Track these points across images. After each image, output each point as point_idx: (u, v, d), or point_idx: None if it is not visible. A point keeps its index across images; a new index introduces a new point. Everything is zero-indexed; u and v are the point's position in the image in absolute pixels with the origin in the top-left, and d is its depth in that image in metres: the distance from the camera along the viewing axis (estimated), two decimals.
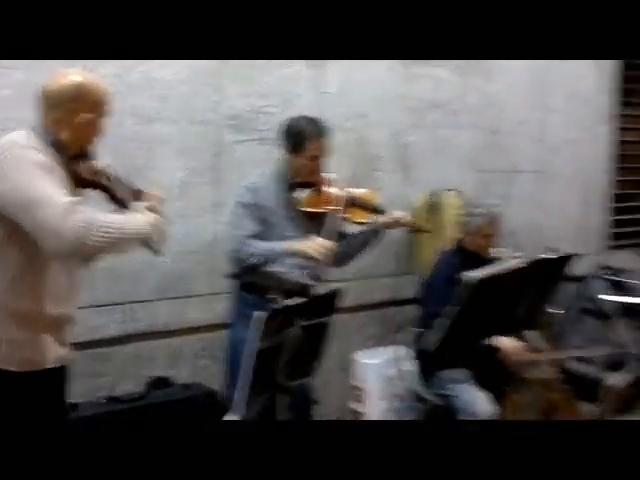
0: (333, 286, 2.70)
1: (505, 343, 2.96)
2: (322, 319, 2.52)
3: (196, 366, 3.38)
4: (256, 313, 2.17)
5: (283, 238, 2.77)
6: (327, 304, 2.55)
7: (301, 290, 2.77)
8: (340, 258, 3.02)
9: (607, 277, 4.63)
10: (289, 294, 2.72)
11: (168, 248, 3.16)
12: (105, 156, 2.81)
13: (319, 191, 2.84)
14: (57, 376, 2.12)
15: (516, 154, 4.47)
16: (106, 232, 1.87)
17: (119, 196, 2.09)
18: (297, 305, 2.32)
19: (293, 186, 2.83)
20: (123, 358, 3.16)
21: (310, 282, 2.88)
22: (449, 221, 3.88)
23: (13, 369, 1.98)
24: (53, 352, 2.07)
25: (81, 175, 2.05)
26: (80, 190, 2.06)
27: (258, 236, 2.74)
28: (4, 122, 2.72)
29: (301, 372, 2.51)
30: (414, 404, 3.55)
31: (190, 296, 3.32)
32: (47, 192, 1.84)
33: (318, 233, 2.83)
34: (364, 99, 3.76)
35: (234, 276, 2.90)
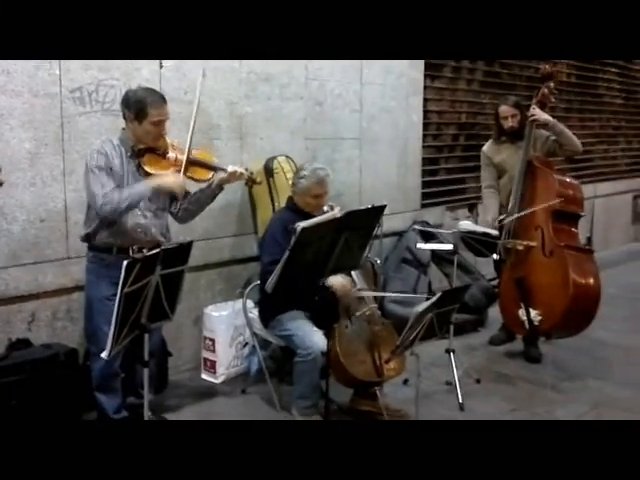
0: (184, 239, 2.99)
1: (335, 281, 3.36)
2: (177, 268, 2.82)
3: (55, 328, 3.55)
4: (123, 262, 2.43)
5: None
6: (180, 255, 2.85)
7: (152, 247, 3.07)
8: (185, 214, 3.36)
9: (421, 229, 5.30)
10: (139, 250, 3.02)
11: (18, 216, 3.36)
12: None
13: (162, 154, 3.14)
14: None
15: (339, 123, 4.96)
16: None
17: None
18: (155, 255, 2.62)
19: (138, 153, 3.10)
20: None
21: (160, 239, 3.18)
22: (283, 184, 4.28)
23: None
24: None
25: None
26: None
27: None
28: None
29: (161, 315, 2.81)
30: (258, 348, 3.90)
31: (44, 261, 3.48)
32: None
33: (164, 194, 3.16)
34: (199, 72, 4.03)
35: (87, 237, 3.12)
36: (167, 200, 3.27)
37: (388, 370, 3.46)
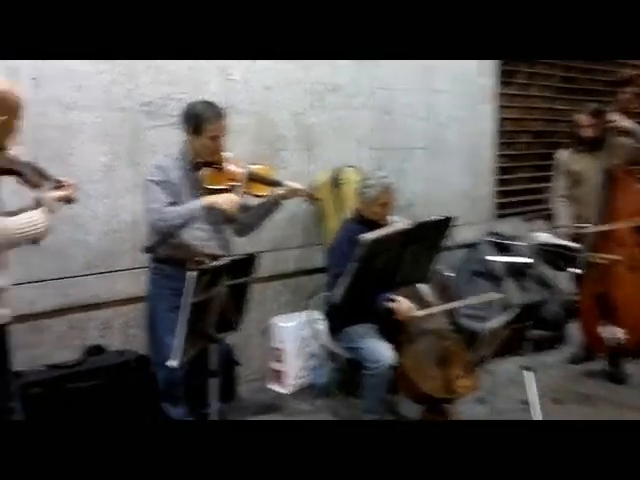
0: (250, 251, 2.99)
1: (397, 305, 3.24)
2: (243, 279, 2.84)
3: (127, 335, 3.64)
4: (188, 273, 2.46)
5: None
6: (246, 266, 2.86)
7: (212, 260, 3.03)
8: (244, 228, 3.38)
9: (494, 241, 5.16)
10: (201, 264, 3.05)
11: (93, 227, 3.47)
12: (30, 144, 3.10)
13: (220, 169, 3.15)
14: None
15: (406, 132, 4.92)
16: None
17: (31, 180, 2.40)
18: (222, 266, 2.64)
19: (197, 165, 3.13)
20: (58, 330, 3.40)
21: (220, 252, 3.21)
22: (350, 194, 4.26)
23: None
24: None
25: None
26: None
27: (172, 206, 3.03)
28: None
29: (227, 325, 2.83)
30: (327, 362, 3.89)
31: (116, 271, 3.58)
32: None
33: None
34: (267, 84, 4.10)
35: (149, 249, 3.18)
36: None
37: (460, 387, 3.35)
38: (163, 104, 3.67)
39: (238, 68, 3.96)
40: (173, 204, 3.01)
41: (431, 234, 3.20)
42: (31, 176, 2.40)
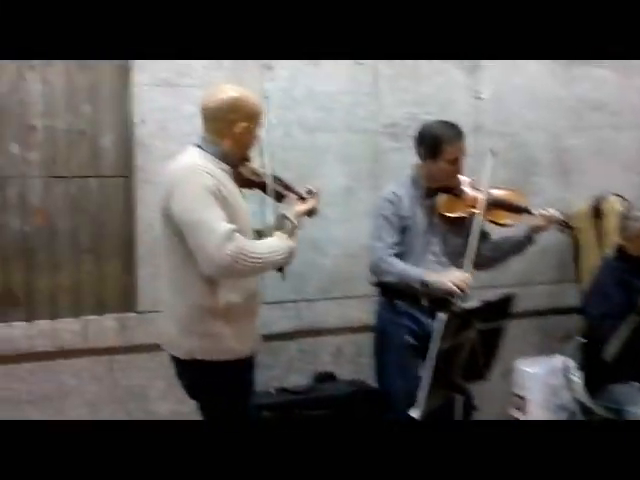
0: (507, 291, 2.66)
1: None
2: (497, 323, 2.53)
3: (357, 364, 3.50)
4: (439, 315, 2.22)
5: (425, 245, 2.82)
6: (502, 308, 2.55)
7: (448, 296, 2.79)
8: (485, 262, 3.01)
9: None
10: (437, 301, 2.76)
11: (331, 250, 3.40)
12: (276, 165, 3.12)
13: (458, 195, 2.85)
14: (250, 364, 2.35)
15: None
16: (254, 261, 2.10)
17: (276, 192, 2.35)
18: (475, 309, 2.37)
19: (431, 191, 2.87)
20: (290, 353, 3.37)
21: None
22: (613, 227, 3.74)
23: (217, 359, 2.21)
24: (250, 341, 2.31)
25: (244, 177, 2.30)
26: (244, 190, 2.33)
27: (399, 245, 2.79)
28: (185, 137, 3.06)
29: (476, 374, 2.54)
30: (580, 416, 3.42)
31: (350, 297, 3.47)
32: (210, 218, 2.05)
33: (460, 238, 2.87)
34: (520, 103, 3.76)
35: (379, 284, 2.98)
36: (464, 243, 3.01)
37: None
38: (407, 125, 3.51)
39: (488, 86, 3.68)
40: (398, 244, 2.79)
41: None
42: (275, 188, 2.36)
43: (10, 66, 2.84)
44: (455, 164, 2.81)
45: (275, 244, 2.23)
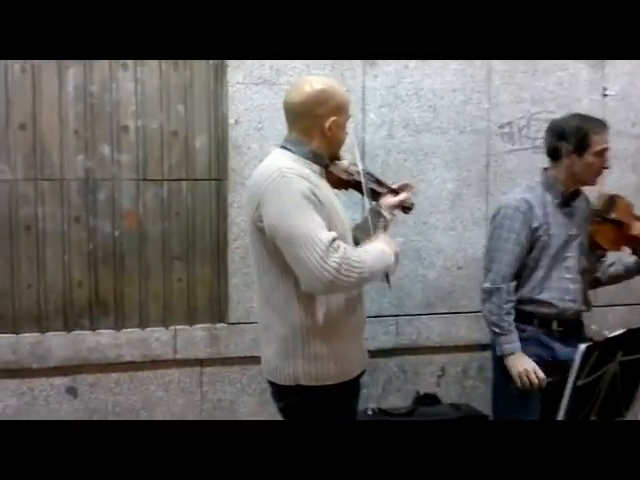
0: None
1: None
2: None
3: (463, 386, 3.21)
4: (580, 346, 1.91)
5: (558, 260, 2.49)
6: None
7: (574, 317, 2.52)
8: (613, 281, 2.74)
9: None
10: (569, 324, 2.49)
11: (435, 262, 3.13)
12: (378, 168, 2.88)
13: (619, 225, 2.52)
14: (356, 387, 2.13)
15: None
16: (361, 272, 1.84)
17: (373, 191, 2.11)
18: (619, 337, 2.03)
19: (569, 198, 2.53)
20: (389, 371, 3.12)
21: (583, 307, 2.57)
22: None
23: (320, 384, 1.97)
24: (356, 362, 2.07)
25: (337, 177, 2.07)
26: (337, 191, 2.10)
27: (519, 270, 2.49)
28: (282, 138, 2.88)
29: (615, 411, 2.20)
30: None
31: (456, 312, 3.18)
32: (310, 228, 1.80)
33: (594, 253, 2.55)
34: None
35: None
36: (595, 259, 2.66)
37: None
38: (524, 125, 3.19)
39: (616, 81, 3.29)
40: (528, 260, 2.48)
41: None
42: (370, 186, 2.12)
43: (103, 65, 2.74)
44: (603, 156, 2.47)
45: (380, 249, 1.97)
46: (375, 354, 3.05)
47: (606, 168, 2.49)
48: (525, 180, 3.14)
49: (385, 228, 2.10)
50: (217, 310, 2.93)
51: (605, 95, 3.29)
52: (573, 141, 2.45)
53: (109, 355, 2.80)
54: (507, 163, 3.19)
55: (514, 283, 2.47)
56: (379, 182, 2.17)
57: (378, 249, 1.96)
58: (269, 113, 2.87)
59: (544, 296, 2.48)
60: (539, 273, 2.48)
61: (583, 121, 2.48)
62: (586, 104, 3.23)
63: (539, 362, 2.42)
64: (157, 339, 2.85)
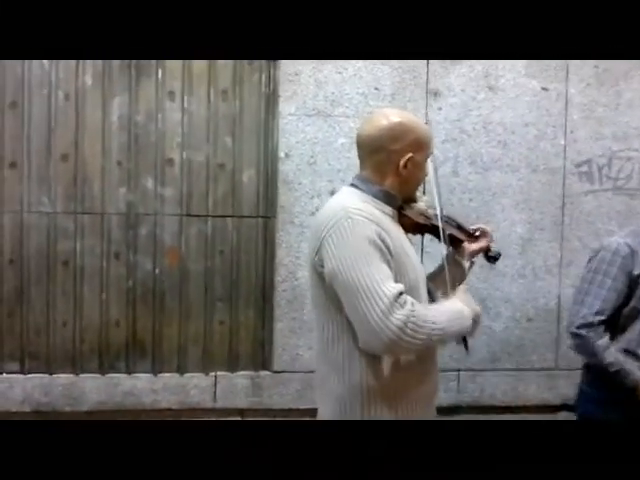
0: None
1: None
2: None
3: None
4: None
5: None
6: None
7: None
8: None
9: None
10: None
11: (503, 312, 2.84)
12: (438, 206, 2.63)
13: None
14: None
15: None
16: (427, 333, 1.58)
17: (452, 237, 1.87)
18: None
19: None
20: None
21: None
22: None
23: None
24: None
25: (412, 220, 1.82)
26: (412, 235, 1.84)
27: (613, 313, 2.16)
28: (336, 173, 2.68)
29: None
30: None
31: (525, 369, 2.87)
32: (374, 279, 1.58)
33: None
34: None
35: (586, 366, 2.34)
36: None
37: None
38: (604, 164, 2.88)
39: None
40: (613, 312, 2.16)
41: None
42: (450, 231, 1.88)
43: (149, 94, 2.62)
44: None
45: (457, 310, 1.71)
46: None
47: None
48: (605, 224, 2.88)
49: (463, 280, 1.86)
50: (260, 357, 2.72)
51: None
52: None
53: (145, 400, 2.63)
54: (585, 205, 2.88)
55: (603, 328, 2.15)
56: (460, 227, 1.93)
57: (454, 309, 1.70)
58: (322, 147, 2.68)
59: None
60: (638, 325, 2.15)
61: None
62: None
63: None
64: (196, 385, 2.67)
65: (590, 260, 2.25)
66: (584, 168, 2.89)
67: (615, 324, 2.17)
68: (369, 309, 1.56)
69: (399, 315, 1.55)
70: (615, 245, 2.17)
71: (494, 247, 1.93)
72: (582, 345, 2.17)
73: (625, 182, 2.90)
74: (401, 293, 1.57)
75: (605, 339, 2.14)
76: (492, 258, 1.94)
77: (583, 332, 2.15)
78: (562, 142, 2.86)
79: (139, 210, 2.63)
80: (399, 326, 1.54)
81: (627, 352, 2.16)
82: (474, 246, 1.90)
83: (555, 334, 2.88)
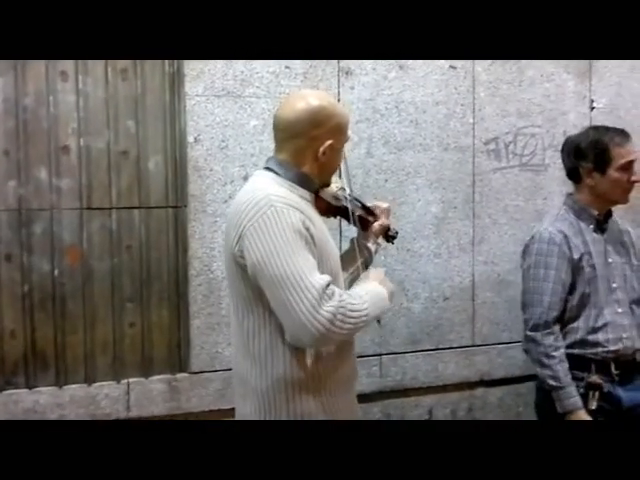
0: None
1: None
2: None
3: None
4: None
5: (607, 294, 2.18)
6: None
7: (631, 357, 2.19)
8: None
9: None
10: (619, 365, 2.16)
11: (420, 293, 2.82)
12: (357, 189, 2.56)
13: None
14: None
15: None
16: (355, 322, 1.58)
17: (361, 218, 1.85)
18: None
19: (601, 221, 2.25)
20: (373, 418, 2.78)
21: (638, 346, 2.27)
22: None
23: None
24: (350, 414, 1.79)
25: (327, 203, 1.77)
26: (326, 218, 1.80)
27: (576, 305, 2.17)
28: (249, 158, 2.53)
29: None
30: None
31: (444, 349, 2.88)
32: (302, 271, 1.53)
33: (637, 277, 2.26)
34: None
35: None
36: None
37: None
38: (511, 141, 2.92)
39: (603, 93, 3.07)
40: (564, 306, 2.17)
41: None
42: (359, 213, 1.83)
43: (38, 74, 2.32)
44: (629, 169, 2.18)
45: (378, 292, 1.70)
46: (357, 399, 2.73)
47: (636, 182, 2.21)
48: (513, 200, 2.92)
49: (371, 261, 1.86)
50: (177, 358, 2.52)
51: (593, 108, 3.06)
52: (592, 158, 2.18)
53: (50, 416, 2.36)
54: (493, 182, 2.92)
55: (557, 327, 2.16)
56: (366, 208, 1.87)
57: (375, 292, 1.70)
58: (233, 130, 2.51)
59: (598, 337, 2.17)
60: (588, 311, 2.18)
61: (600, 134, 2.20)
62: (573, 117, 3.01)
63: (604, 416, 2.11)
64: (107, 395, 2.43)
65: (524, 255, 2.26)
66: (492, 146, 2.91)
67: (564, 317, 2.19)
68: (297, 302, 1.51)
69: (328, 307, 1.52)
70: (547, 234, 2.19)
71: (392, 227, 1.90)
72: (533, 350, 2.16)
73: (530, 158, 2.96)
74: (328, 284, 1.53)
75: (560, 351, 2.13)
76: (391, 237, 1.91)
77: (538, 336, 2.15)
78: (471, 120, 2.87)
79: (32, 205, 2.33)
80: (329, 318, 1.52)
81: (584, 343, 2.17)
82: (376, 225, 1.86)
83: (471, 312, 2.90)
